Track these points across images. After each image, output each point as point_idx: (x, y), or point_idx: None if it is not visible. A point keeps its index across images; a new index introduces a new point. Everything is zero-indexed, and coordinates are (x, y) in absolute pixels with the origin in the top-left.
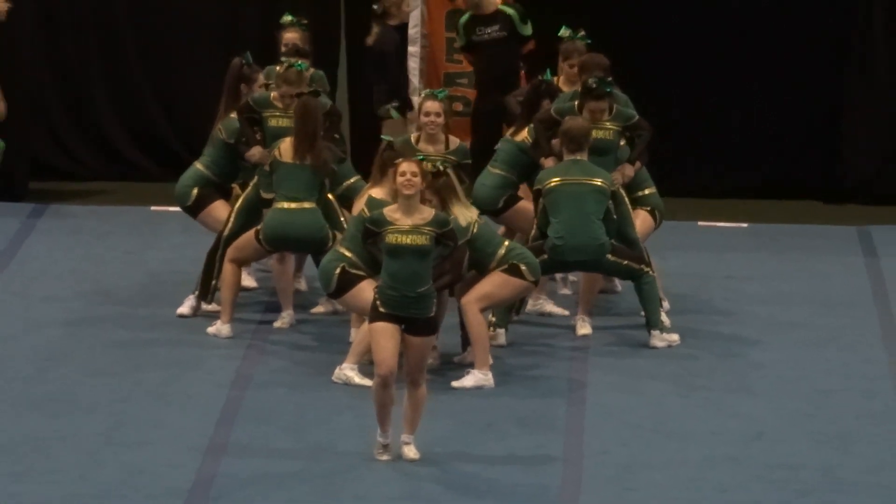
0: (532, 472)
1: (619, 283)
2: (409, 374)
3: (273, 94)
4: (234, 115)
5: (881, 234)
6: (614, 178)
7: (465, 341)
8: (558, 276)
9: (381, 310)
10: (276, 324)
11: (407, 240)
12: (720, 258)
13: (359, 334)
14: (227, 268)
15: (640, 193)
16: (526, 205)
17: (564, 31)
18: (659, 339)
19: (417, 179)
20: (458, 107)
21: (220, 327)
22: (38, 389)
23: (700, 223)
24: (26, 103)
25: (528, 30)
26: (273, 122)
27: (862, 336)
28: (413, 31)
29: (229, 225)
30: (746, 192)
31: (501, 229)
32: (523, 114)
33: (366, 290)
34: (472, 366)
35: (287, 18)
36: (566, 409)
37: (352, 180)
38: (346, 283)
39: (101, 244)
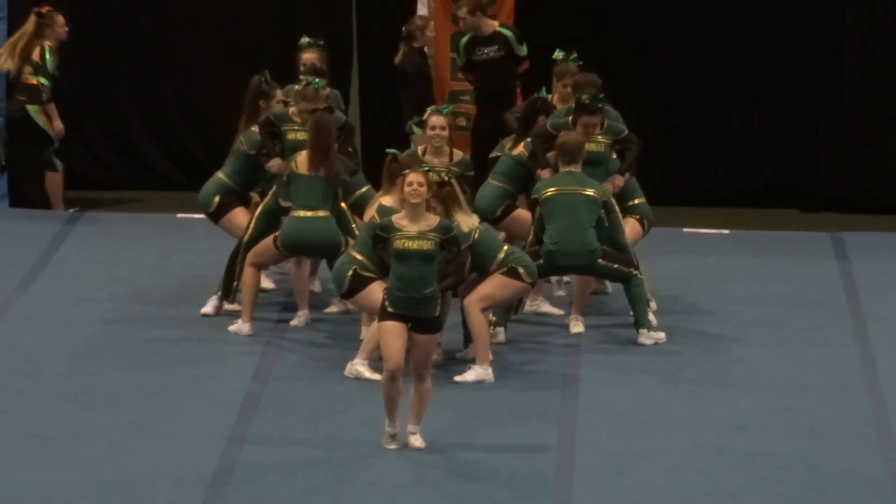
0: (529, 460)
1: (609, 286)
2: (415, 369)
3: (292, 109)
4: (254, 128)
5: (853, 239)
6: (606, 188)
7: (467, 339)
8: (553, 278)
9: (390, 309)
10: (293, 322)
11: (413, 245)
12: (704, 262)
13: (369, 332)
14: (248, 271)
15: (631, 203)
16: (522, 213)
17: (558, 54)
18: (646, 338)
19: (424, 189)
20: (462, 122)
21: (241, 326)
22: (73, 383)
23: (685, 230)
24: (64, 120)
25: (523, 50)
26: (291, 136)
27: (835, 334)
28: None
29: (249, 231)
30: (730, 200)
31: (502, 235)
32: (520, 129)
33: (376, 292)
34: (473, 361)
35: (305, 40)
36: (560, 402)
37: (363, 190)
38: (358, 284)
39: (132, 249)
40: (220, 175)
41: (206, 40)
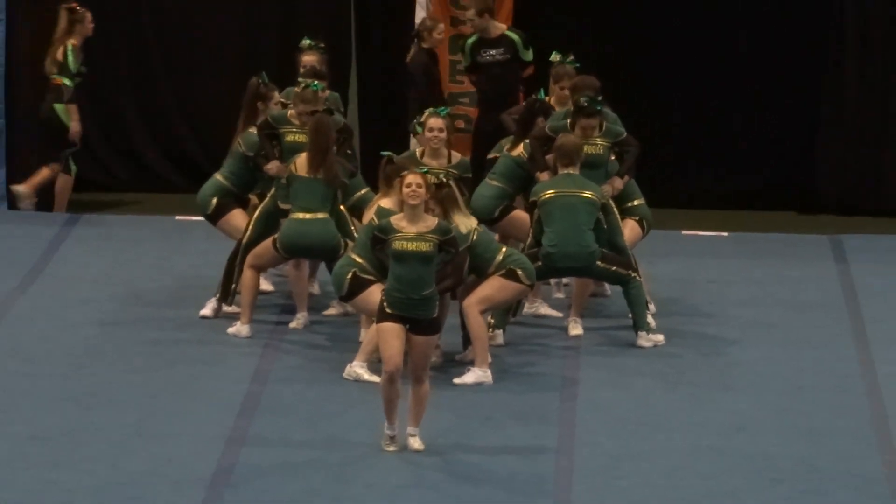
0: (527, 462)
1: (608, 288)
2: (413, 370)
3: (290, 111)
4: (252, 129)
5: (851, 242)
6: (604, 190)
7: (466, 341)
8: (552, 280)
9: (388, 311)
10: (292, 325)
11: (412, 246)
12: (703, 264)
13: (368, 334)
14: (247, 273)
15: (630, 204)
16: (520, 214)
17: (555, 56)
18: (645, 340)
19: (422, 190)
20: (460, 124)
21: (240, 328)
22: (73, 384)
23: (684, 232)
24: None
25: (529, 55)
26: (290, 138)
27: (833, 336)
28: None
29: (248, 233)
30: (729, 200)
31: (496, 236)
32: (518, 130)
33: (374, 294)
34: (472, 364)
35: (306, 42)
36: (559, 404)
37: (362, 192)
38: (357, 287)
39: (132, 251)
40: (218, 177)
41: (206, 42)
